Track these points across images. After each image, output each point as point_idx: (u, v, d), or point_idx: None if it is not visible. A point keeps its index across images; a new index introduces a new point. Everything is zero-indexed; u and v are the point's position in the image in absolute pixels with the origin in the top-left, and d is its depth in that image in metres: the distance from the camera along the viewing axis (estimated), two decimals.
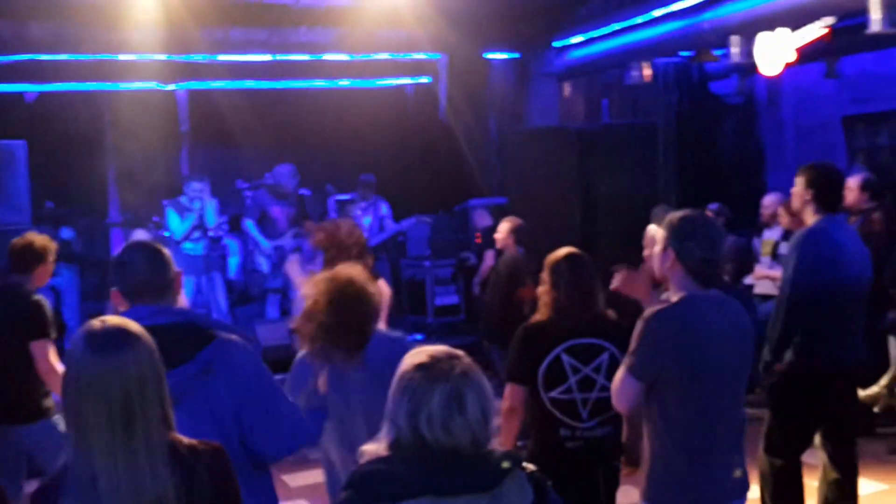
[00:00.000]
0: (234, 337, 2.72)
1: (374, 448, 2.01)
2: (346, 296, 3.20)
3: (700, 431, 3.04)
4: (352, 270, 3.34)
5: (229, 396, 2.62)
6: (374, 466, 1.97)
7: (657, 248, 3.20)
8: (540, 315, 3.86)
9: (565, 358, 3.73)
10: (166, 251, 2.84)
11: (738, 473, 3.14)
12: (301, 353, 3.34)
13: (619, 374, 3.12)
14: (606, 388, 3.49)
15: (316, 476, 4.85)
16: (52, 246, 4.97)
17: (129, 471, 1.90)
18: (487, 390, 1.99)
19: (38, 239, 4.94)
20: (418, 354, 2.03)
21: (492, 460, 1.97)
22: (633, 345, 3.08)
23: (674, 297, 3.12)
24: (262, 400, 2.69)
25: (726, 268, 6.11)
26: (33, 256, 4.87)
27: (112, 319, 2.03)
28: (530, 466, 2.04)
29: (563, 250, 3.89)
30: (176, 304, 2.83)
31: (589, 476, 3.74)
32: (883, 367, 6.21)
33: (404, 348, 2.54)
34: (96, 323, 2.00)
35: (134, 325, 2.03)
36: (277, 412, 2.72)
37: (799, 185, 4.53)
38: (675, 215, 3.18)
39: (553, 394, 3.73)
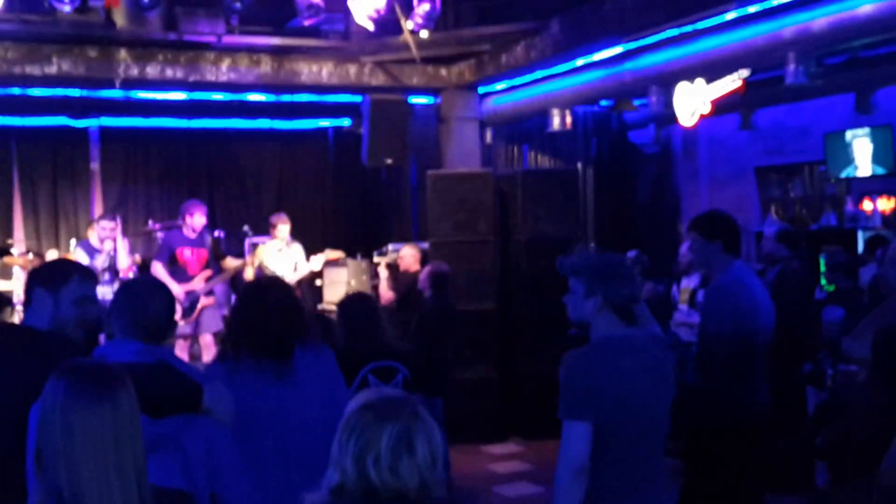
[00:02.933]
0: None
1: (315, 496, 1.93)
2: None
3: (618, 474, 2.98)
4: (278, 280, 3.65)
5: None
6: None
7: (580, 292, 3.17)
8: None
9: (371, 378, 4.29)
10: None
11: None
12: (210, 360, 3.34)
13: (563, 431, 2.97)
14: None
15: None
16: None
17: None
18: (436, 434, 1.93)
19: None
20: (367, 395, 1.97)
21: None
22: (562, 393, 3.00)
23: (595, 335, 3.12)
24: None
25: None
26: None
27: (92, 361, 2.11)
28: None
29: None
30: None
31: None
32: (801, 417, 6.25)
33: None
34: (78, 362, 2.03)
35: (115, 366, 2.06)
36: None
37: (698, 241, 4.46)
38: (594, 259, 3.22)
39: None
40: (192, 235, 8.63)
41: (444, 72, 9.82)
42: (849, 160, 9.70)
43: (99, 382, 1.96)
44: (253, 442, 3.10)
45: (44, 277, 3.08)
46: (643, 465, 3.03)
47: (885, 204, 9.40)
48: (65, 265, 3.31)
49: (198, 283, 8.54)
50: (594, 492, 2.95)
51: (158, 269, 8.54)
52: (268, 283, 3.63)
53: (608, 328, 3.08)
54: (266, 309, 3.29)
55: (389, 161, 9.54)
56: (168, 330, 2.96)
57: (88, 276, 3.16)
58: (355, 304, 4.67)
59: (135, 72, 8.65)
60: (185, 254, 8.62)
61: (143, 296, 2.94)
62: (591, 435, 2.91)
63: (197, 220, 8.56)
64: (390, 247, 9.32)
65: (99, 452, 1.90)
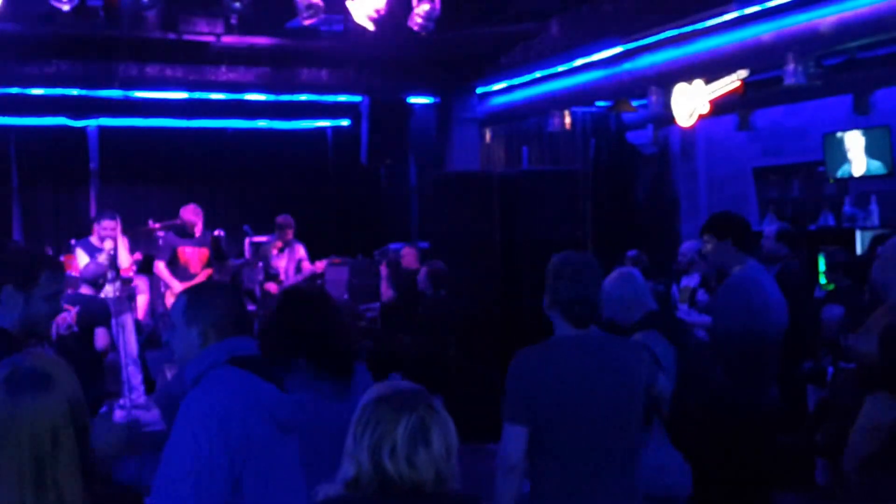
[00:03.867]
0: None
1: (330, 488, 1.93)
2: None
3: (573, 475, 2.95)
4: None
5: None
6: None
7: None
8: None
9: None
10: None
11: None
12: None
13: (502, 431, 2.99)
14: None
15: None
16: None
17: None
18: (452, 427, 1.94)
19: None
20: (382, 388, 1.97)
21: (454, 500, 1.91)
22: (505, 394, 3.01)
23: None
24: None
25: None
26: None
27: (31, 360, 1.89)
28: None
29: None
30: None
31: None
32: (801, 415, 6.27)
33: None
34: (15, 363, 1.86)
35: (52, 367, 1.88)
36: None
37: (712, 241, 4.54)
38: (554, 257, 3.17)
39: None
40: (193, 235, 8.66)
41: (443, 72, 9.83)
42: (846, 160, 9.73)
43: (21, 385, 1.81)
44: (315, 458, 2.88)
45: (13, 274, 2.97)
46: (595, 464, 2.98)
47: (883, 203, 9.42)
48: (33, 259, 3.15)
49: (199, 281, 8.56)
50: (541, 489, 2.97)
51: (161, 268, 8.56)
52: (322, 294, 3.45)
53: (558, 328, 3.08)
54: (330, 322, 3.20)
55: (389, 161, 9.56)
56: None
57: (58, 269, 3.09)
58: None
59: (134, 72, 8.66)
60: (186, 252, 8.64)
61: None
62: (524, 437, 2.92)
63: (190, 218, 8.62)
64: (391, 247, 9.35)
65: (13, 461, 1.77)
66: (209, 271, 8.76)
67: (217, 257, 9.01)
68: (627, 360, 3.11)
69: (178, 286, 8.48)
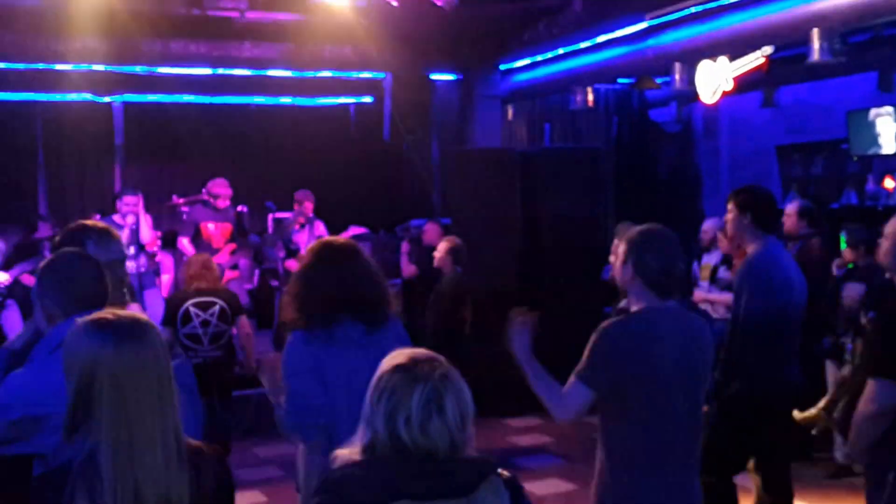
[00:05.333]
0: None
1: (347, 452, 1.97)
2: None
3: (657, 443, 3.03)
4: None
5: None
6: (347, 471, 1.93)
7: (618, 262, 3.23)
8: None
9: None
10: None
11: (694, 484, 3.14)
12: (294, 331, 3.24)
13: (570, 380, 3.08)
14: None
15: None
16: None
17: (164, 462, 1.94)
18: (467, 395, 1.97)
19: None
20: (398, 356, 1.99)
21: (468, 465, 1.95)
22: (586, 354, 3.07)
23: (634, 307, 3.16)
24: None
25: None
26: None
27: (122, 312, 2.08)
28: (506, 473, 2.03)
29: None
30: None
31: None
32: (819, 391, 6.29)
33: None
34: (108, 315, 2.03)
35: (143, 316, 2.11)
36: None
37: (733, 212, 4.56)
38: (635, 229, 3.23)
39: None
40: (216, 210, 8.73)
41: (466, 49, 9.82)
42: (872, 138, 9.67)
43: (132, 333, 2.00)
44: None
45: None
46: (681, 431, 3.08)
47: None
48: (73, 232, 3.20)
49: (223, 257, 8.64)
50: (637, 456, 3.03)
51: (185, 244, 8.65)
52: (353, 246, 3.43)
53: (641, 299, 3.12)
54: (360, 271, 3.26)
55: (411, 138, 9.58)
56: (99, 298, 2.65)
57: (104, 235, 3.18)
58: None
59: (158, 48, 8.72)
60: (209, 227, 8.72)
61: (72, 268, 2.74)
62: (589, 399, 3.02)
63: (220, 201, 8.69)
64: (412, 223, 9.39)
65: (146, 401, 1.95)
66: (232, 246, 8.84)
67: (240, 233, 9.09)
68: (704, 332, 3.18)
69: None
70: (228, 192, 8.77)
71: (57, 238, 3.35)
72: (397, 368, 1.95)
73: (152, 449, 1.93)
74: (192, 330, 6.41)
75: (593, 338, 3.07)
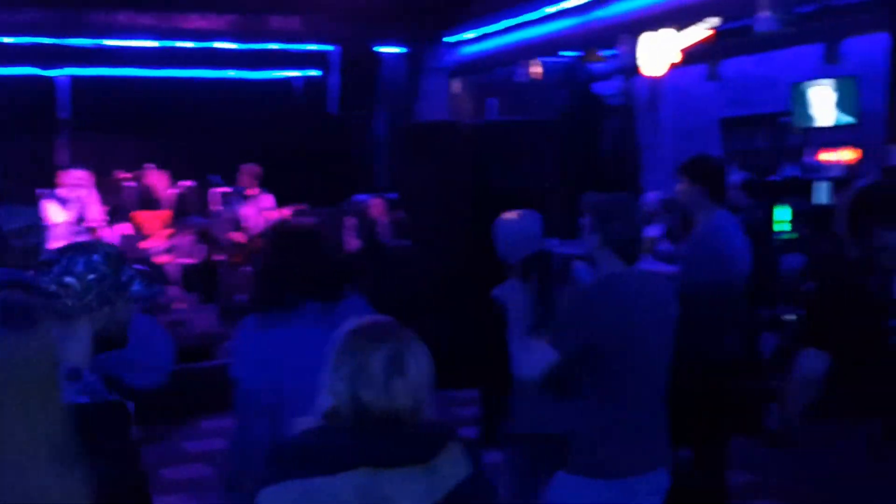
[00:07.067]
0: None
1: (307, 420, 1.95)
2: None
3: (628, 403, 3.11)
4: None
5: None
6: (306, 439, 1.90)
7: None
8: None
9: None
10: None
11: (663, 443, 3.24)
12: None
13: (537, 344, 3.13)
14: None
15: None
16: None
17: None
18: (427, 356, 1.96)
19: None
20: (356, 321, 1.99)
21: (428, 432, 1.94)
22: (557, 319, 3.15)
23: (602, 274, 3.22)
24: None
25: None
26: None
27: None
28: (466, 439, 2.02)
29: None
30: None
31: None
32: (757, 362, 6.40)
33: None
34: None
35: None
36: None
37: (686, 183, 4.55)
38: (599, 199, 3.27)
39: None
40: (152, 199, 8.73)
41: (414, 21, 9.79)
42: (812, 111, 9.77)
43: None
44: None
45: None
46: (651, 391, 3.17)
47: (849, 155, 9.45)
48: None
49: (156, 241, 8.64)
50: (608, 416, 3.10)
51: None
52: (308, 229, 3.40)
53: (608, 266, 3.18)
54: (317, 254, 3.21)
55: (358, 111, 9.55)
56: None
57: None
58: None
59: (104, 19, 8.57)
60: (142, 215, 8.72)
61: None
62: (549, 361, 3.05)
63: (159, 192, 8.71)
64: (355, 198, 9.38)
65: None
66: (169, 231, 8.85)
67: (182, 213, 9.06)
68: (668, 295, 3.27)
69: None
70: (165, 182, 8.76)
71: None
72: (357, 331, 1.95)
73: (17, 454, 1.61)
74: None
75: (566, 303, 3.15)
